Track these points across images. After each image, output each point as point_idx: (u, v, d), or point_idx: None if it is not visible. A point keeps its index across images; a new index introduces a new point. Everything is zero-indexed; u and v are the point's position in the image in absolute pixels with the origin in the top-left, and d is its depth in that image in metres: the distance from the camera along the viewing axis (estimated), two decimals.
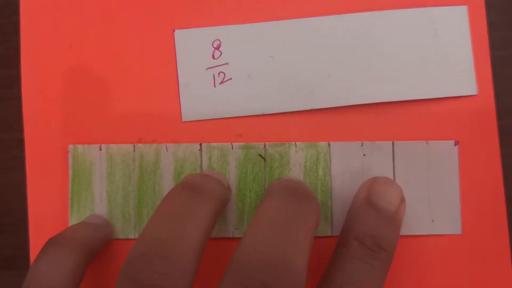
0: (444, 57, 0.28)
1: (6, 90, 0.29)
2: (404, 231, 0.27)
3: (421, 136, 0.28)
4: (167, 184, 0.28)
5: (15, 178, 0.29)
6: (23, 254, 0.28)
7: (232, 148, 0.28)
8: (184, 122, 0.28)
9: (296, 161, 0.28)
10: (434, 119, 0.28)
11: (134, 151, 0.28)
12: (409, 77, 0.28)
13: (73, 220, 0.28)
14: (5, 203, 0.29)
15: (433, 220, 0.28)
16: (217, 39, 0.28)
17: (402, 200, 0.25)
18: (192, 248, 0.21)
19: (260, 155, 0.27)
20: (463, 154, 0.28)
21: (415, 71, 0.28)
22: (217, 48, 0.28)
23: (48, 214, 0.28)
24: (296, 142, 0.28)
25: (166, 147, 0.28)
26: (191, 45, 0.28)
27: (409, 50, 0.28)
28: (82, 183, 0.28)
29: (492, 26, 0.29)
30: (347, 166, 0.28)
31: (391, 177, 0.28)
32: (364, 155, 0.28)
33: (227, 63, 0.28)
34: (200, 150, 0.28)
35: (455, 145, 0.28)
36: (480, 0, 0.29)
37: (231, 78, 0.28)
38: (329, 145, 0.28)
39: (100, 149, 0.28)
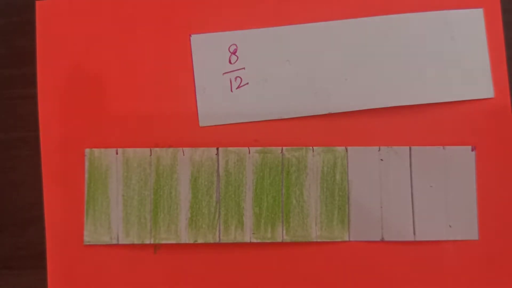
0: (461, 60, 0.28)
1: (6, 90, 0.29)
2: (421, 236, 0.27)
3: (438, 140, 0.28)
4: (184, 188, 0.28)
5: (14, 178, 0.29)
6: (23, 254, 0.28)
7: (249, 153, 0.28)
8: (201, 127, 0.28)
9: (313, 165, 0.28)
10: (451, 123, 0.28)
11: (150, 155, 0.28)
12: (426, 80, 0.28)
13: (88, 224, 0.28)
14: (4, 203, 0.29)
15: (450, 226, 0.27)
16: (233, 44, 0.28)
17: None
18: None
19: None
20: (480, 158, 0.28)
21: (432, 74, 0.28)
22: (234, 52, 0.28)
23: (64, 217, 0.28)
24: (313, 147, 0.28)
25: (183, 151, 0.28)
26: (208, 50, 0.28)
27: (425, 53, 0.28)
28: (98, 187, 0.28)
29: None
30: (364, 171, 0.28)
31: (408, 182, 0.28)
32: (381, 160, 0.28)
33: (244, 68, 0.28)
34: (217, 154, 0.28)
35: (472, 150, 0.28)
36: (496, 3, 0.29)
37: (247, 83, 0.28)
38: (346, 150, 0.28)
39: (117, 153, 0.28)
